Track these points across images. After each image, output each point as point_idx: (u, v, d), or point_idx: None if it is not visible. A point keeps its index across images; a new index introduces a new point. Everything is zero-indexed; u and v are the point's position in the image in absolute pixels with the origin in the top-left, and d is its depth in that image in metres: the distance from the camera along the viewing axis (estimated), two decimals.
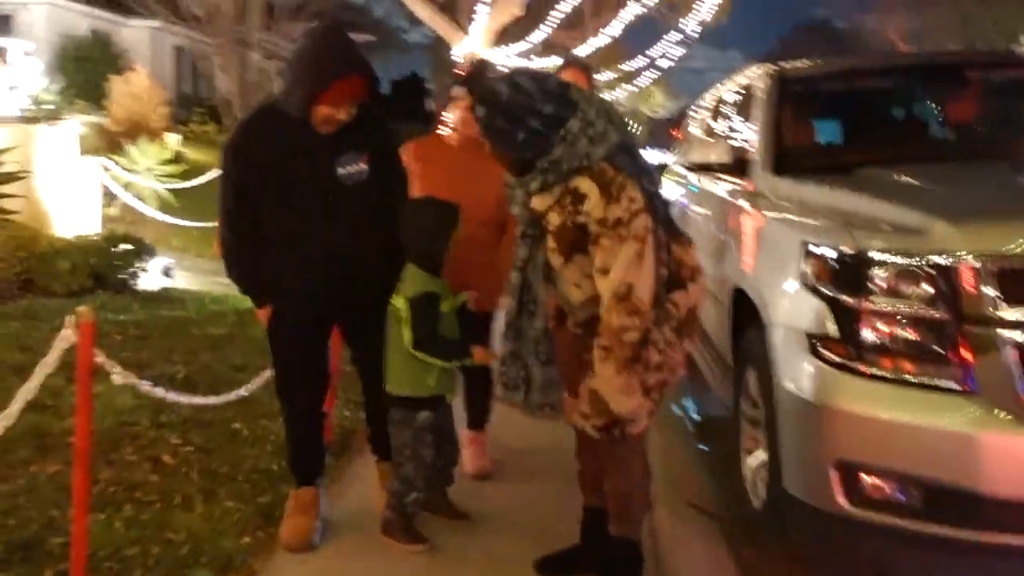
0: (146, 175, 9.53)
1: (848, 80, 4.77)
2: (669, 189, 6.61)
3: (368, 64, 3.01)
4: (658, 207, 2.60)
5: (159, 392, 2.97)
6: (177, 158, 11.17)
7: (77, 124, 7.67)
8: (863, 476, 2.67)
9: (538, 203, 2.62)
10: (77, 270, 6.14)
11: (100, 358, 2.31)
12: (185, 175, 10.18)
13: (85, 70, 17.94)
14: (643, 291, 2.50)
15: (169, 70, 21.32)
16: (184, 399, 3.23)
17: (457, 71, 13.39)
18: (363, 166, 3.08)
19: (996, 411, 2.50)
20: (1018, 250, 2.55)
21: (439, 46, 18.60)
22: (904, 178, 3.42)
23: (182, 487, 3.37)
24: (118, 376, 2.86)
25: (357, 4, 29.63)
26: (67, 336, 2.19)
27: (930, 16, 28.79)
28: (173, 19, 19.66)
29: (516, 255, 2.78)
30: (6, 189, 6.19)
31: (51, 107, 10.49)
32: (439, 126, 3.75)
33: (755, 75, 4.70)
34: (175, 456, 3.64)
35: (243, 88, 18.90)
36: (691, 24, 17.78)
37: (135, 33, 20.87)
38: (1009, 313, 2.52)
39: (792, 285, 3.03)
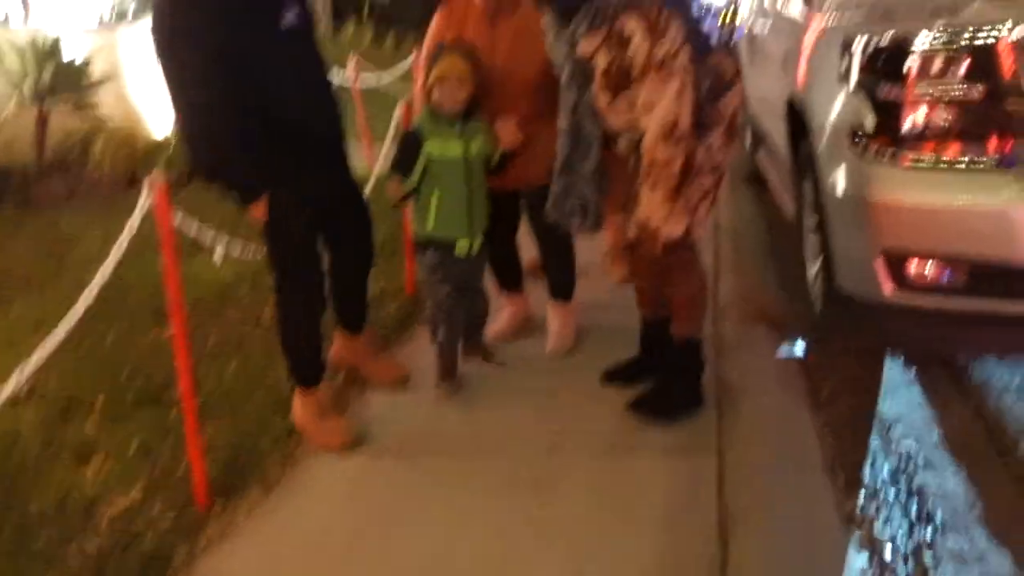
0: None
1: None
2: (746, 14, 6.47)
3: None
4: (693, 34, 2.69)
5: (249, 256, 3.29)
6: None
7: None
8: (908, 262, 2.74)
9: (585, 46, 2.72)
10: (174, 164, 6.51)
11: (178, 220, 2.60)
12: None
13: None
14: (685, 121, 2.64)
15: None
16: None
17: None
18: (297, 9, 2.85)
19: None
20: None
21: None
22: None
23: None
24: (219, 253, 3.18)
25: None
26: (145, 202, 2.47)
27: None
28: None
29: (564, 101, 2.86)
30: (98, 94, 6.54)
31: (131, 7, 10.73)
32: None
33: None
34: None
35: None
36: None
37: None
38: None
39: (833, 86, 3.04)
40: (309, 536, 2.48)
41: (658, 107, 2.64)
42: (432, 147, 3.11)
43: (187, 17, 2.62)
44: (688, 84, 2.64)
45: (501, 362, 3.53)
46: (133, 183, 6.50)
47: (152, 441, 2.91)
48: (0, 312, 4.10)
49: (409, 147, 3.14)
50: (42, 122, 6.39)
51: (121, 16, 8.10)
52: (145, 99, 7.32)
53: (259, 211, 2.81)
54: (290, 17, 2.80)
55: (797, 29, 3.93)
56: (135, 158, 6.53)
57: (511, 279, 3.77)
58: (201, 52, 2.61)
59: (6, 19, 8.58)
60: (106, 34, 7.25)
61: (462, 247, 3.22)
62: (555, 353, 3.60)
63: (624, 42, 2.64)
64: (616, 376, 3.30)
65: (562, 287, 3.69)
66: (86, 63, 6.57)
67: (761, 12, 5.49)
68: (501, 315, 3.76)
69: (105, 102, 6.73)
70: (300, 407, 3.03)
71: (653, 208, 2.72)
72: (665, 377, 3.15)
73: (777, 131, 4.22)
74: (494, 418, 3.13)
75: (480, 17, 3.27)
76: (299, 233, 2.92)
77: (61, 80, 6.33)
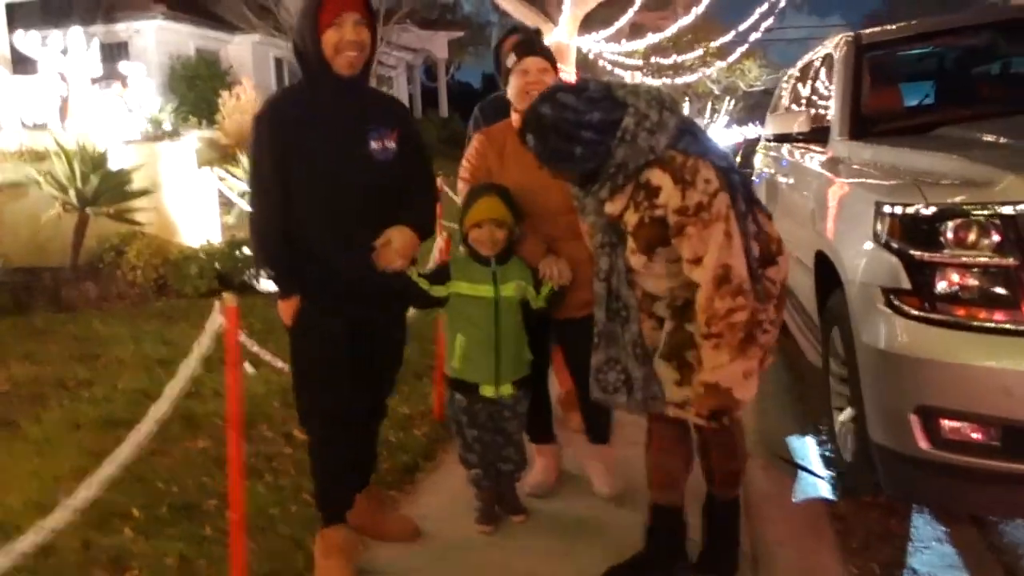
0: None
1: (924, 41, 4.81)
2: (762, 161, 6.73)
3: None
4: (734, 181, 2.53)
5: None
6: None
7: (194, 139, 8.28)
8: (943, 420, 2.81)
9: (611, 208, 2.59)
10: (204, 274, 6.67)
11: (243, 337, 2.68)
12: None
13: (195, 88, 18.96)
14: (740, 268, 2.45)
15: (272, 81, 22.25)
16: None
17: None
18: (392, 144, 2.89)
19: None
20: None
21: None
22: (977, 135, 3.50)
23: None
24: (249, 366, 3.25)
25: (447, 1, 30.09)
26: (215, 320, 2.56)
27: None
28: (273, 32, 20.52)
29: (598, 266, 2.74)
30: (137, 203, 6.76)
31: (167, 126, 11.19)
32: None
33: (833, 43, 4.80)
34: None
35: None
36: None
37: (237, 48, 21.90)
38: None
39: (867, 244, 3.17)
40: None
41: (706, 258, 2.43)
42: (460, 286, 3.09)
43: (258, 127, 2.80)
44: (735, 230, 2.45)
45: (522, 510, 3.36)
46: (162, 291, 6.65)
47: (189, 554, 2.91)
48: (38, 415, 4.13)
49: (438, 272, 3.11)
50: (81, 227, 6.58)
51: (160, 132, 8.48)
52: (180, 211, 7.57)
53: (287, 313, 2.83)
54: (372, 147, 2.82)
55: (824, 183, 4.10)
56: (166, 266, 6.68)
57: (542, 427, 3.58)
58: (267, 161, 2.76)
59: (45, 124, 8.95)
60: (147, 147, 7.54)
61: (486, 392, 3.14)
62: (605, 495, 3.47)
63: (652, 193, 2.48)
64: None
65: (602, 428, 3.55)
66: (130, 173, 6.82)
67: (779, 160, 5.73)
68: (535, 467, 3.57)
69: (141, 211, 6.94)
70: (317, 539, 2.99)
71: (721, 368, 2.46)
72: (711, 541, 2.95)
73: (803, 280, 4.35)
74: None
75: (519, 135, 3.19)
76: (320, 350, 2.84)
77: (106, 189, 6.55)
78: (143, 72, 13.38)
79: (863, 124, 4.05)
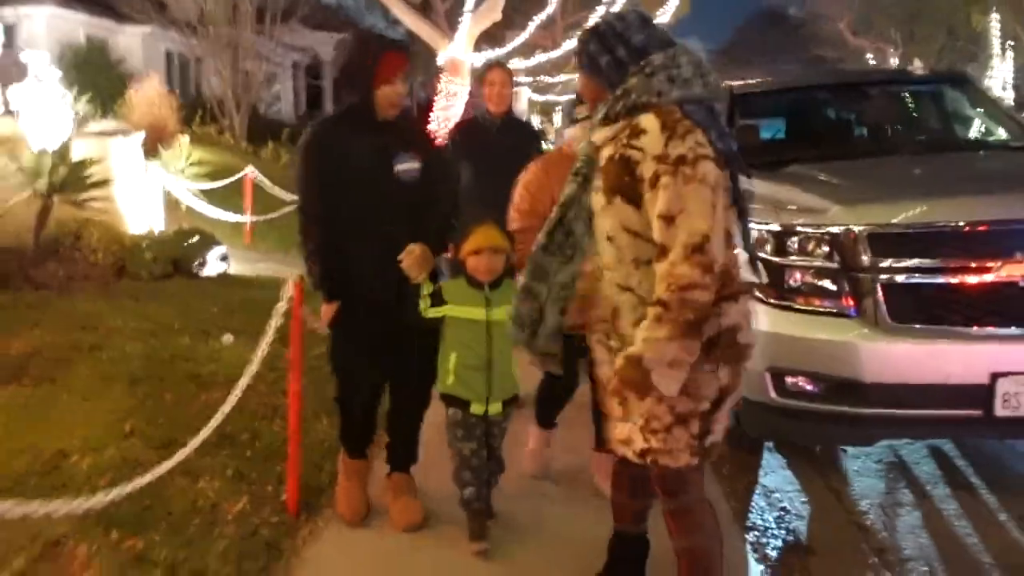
0: (178, 176, 10.74)
1: (781, 95, 6.16)
2: None
3: (404, 43, 3.80)
4: (733, 173, 2.43)
5: None
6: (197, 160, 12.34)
7: (142, 134, 8.88)
8: (787, 377, 3.94)
9: (596, 136, 2.52)
10: (159, 259, 7.39)
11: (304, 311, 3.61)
12: (209, 175, 11.44)
13: (84, 76, 18.86)
14: (717, 247, 2.25)
15: (161, 74, 22.26)
16: None
17: (443, 73, 14.58)
18: (416, 164, 3.36)
19: (868, 328, 3.84)
20: (884, 221, 3.88)
21: (413, 43, 19.44)
22: (818, 173, 4.71)
23: None
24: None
25: (332, 4, 30.46)
26: (288, 291, 3.46)
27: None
28: (165, 24, 20.62)
29: (563, 192, 2.62)
30: (94, 193, 7.41)
31: (78, 115, 11.54)
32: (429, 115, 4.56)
33: None
34: None
35: (235, 89, 20.04)
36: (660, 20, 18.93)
37: (127, 39, 21.78)
38: (877, 264, 3.83)
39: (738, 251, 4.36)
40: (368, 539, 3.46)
41: (681, 217, 2.23)
42: (453, 309, 3.23)
43: (304, 155, 3.36)
44: (721, 203, 2.28)
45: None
46: (120, 274, 7.32)
47: (243, 469, 3.83)
48: (70, 372, 4.83)
49: (436, 294, 3.25)
50: (44, 213, 7.17)
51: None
52: (128, 201, 8.21)
53: (328, 314, 3.41)
54: (402, 169, 3.35)
55: None
56: (123, 251, 7.36)
57: (553, 413, 4.03)
58: (313, 185, 3.35)
59: None
60: (100, 141, 8.14)
61: (476, 410, 3.27)
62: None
63: (635, 134, 2.36)
64: None
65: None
66: (91, 165, 7.43)
67: None
68: (533, 450, 4.03)
69: (97, 200, 7.56)
70: (339, 463, 3.76)
71: (652, 343, 2.26)
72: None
73: None
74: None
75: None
76: (347, 345, 3.49)
77: (73, 179, 7.17)
78: (47, 60, 13.49)
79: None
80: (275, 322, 3.44)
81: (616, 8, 16.07)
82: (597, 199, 2.50)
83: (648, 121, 2.35)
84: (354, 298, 3.38)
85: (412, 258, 3.22)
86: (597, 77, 2.53)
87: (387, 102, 3.31)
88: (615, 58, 2.47)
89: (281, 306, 3.43)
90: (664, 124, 2.31)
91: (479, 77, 5.08)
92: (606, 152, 2.46)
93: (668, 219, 2.26)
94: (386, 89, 3.29)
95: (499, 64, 5.05)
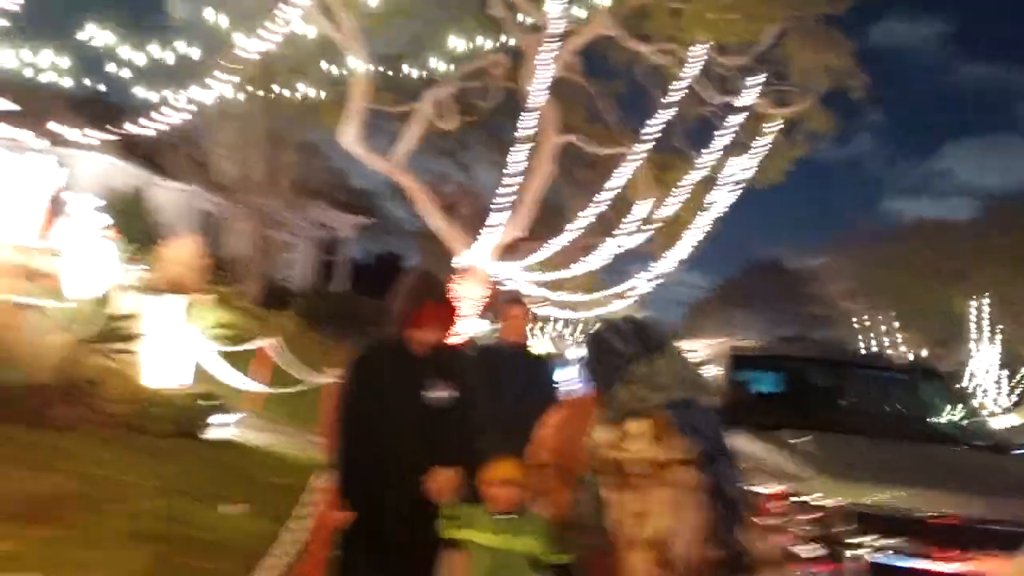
0: (204, 336, 11.15)
1: (778, 363, 6.68)
2: None
3: (449, 293, 3.73)
4: (719, 476, 2.61)
5: None
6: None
7: (185, 300, 9.36)
8: None
9: (599, 436, 2.76)
10: (164, 419, 7.75)
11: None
12: (231, 339, 11.89)
13: (119, 222, 19.60)
14: (680, 545, 2.41)
15: (197, 231, 23.15)
16: None
17: (459, 276, 15.27)
18: (445, 394, 3.58)
19: None
20: (865, 500, 4.25)
21: (432, 238, 20.24)
22: (805, 442, 5.13)
23: None
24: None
25: (358, 188, 31.79)
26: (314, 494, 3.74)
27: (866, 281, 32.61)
28: (203, 186, 21.68)
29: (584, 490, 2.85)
30: (122, 346, 7.83)
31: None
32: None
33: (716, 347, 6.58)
34: None
35: (257, 253, 20.87)
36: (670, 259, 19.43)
37: (165, 192, 22.81)
38: (859, 538, 4.16)
39: None
40: None
41: (649, 517, 2.48)
42: (470, 533, 3.27)
43: (350, 372, 3.62)
44: (690, 501, 2.47)
45: None
46: (130, 427, 7.61)
47: None
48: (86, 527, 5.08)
49: (454, 516, 3.31)
50: (72, 359, 7.55)
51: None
52: (155, 356, 8.60)
53: (340, 519, 3.47)
54: (432, 397, 3.55)
55: None
56: (136, 406, 7.71)
57: None
58: (352, 399, 3.57)
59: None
60: (138, 297, 8.65)
61: None
62: None
63: (622, 438, 2.63)
64: None
65: None
66: (128, 320, 7.90)
67: None
68: None
69: (122, 352, 7.97)
70: None
71: None
72: None
73: None
74: None
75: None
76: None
77: (107, 331, 7.62)
78: (94, 204, 14.03)
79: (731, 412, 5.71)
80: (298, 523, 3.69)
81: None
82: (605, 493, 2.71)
83: (634, 427, 2.63)
84: (372, 509, 3.48)
85: (438, 482, 3.42)
86: (594, 379, 2.89)
87: (418, 344, 3.60)
88: (604, 369, 2.81)
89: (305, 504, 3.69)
90: (655, 433, 2.59)
91: (502, 303, 5.78)
92: (611, 453, 2.69)
93: (638, 515, 2.52)
94: (418, 333, 3.57)
95: (520, 301, 5.72)
